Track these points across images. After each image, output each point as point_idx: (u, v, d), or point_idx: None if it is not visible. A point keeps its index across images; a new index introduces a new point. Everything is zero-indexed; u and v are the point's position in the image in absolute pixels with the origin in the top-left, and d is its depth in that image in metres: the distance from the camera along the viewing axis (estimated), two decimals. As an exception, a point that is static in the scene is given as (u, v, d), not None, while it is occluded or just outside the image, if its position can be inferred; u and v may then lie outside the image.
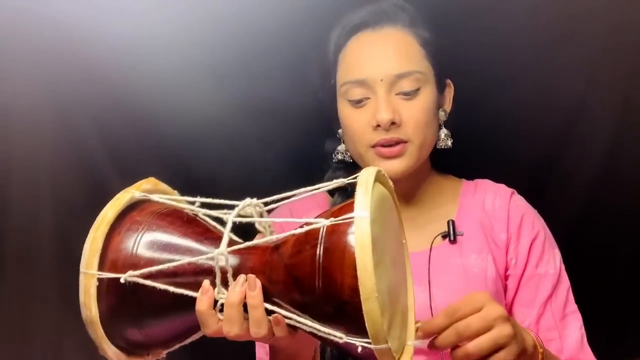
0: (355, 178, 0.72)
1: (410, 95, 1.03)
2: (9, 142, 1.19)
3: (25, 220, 1.21)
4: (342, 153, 1.12)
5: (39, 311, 1.22)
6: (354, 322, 0.64)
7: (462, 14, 1.17)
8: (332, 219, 0.67)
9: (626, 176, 1.26)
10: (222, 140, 1.28)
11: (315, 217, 0.72)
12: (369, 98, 1.04)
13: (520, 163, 1.26)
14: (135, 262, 0.72)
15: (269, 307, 0.71)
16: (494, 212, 1.10)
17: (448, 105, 1.12)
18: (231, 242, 0.73)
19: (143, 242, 0.73)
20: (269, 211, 0.80)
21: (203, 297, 0.71)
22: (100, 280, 0.71)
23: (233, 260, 0.72)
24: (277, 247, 0.72)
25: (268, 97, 1.27)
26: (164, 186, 0.83)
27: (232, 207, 0.77)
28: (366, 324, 0.64)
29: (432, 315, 1.00)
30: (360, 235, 0.64)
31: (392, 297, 0.71)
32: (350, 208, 0.67)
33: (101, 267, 0.72)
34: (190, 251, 0.73)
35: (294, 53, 1.21)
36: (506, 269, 1.08)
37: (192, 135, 1.27)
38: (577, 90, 1.25)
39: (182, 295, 0.71)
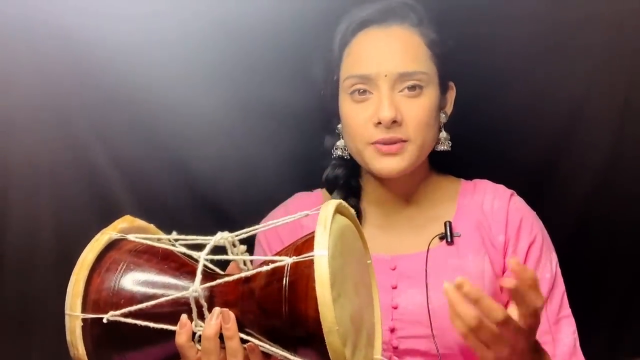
0: (317, 209, 0.78)
1: (413, 94, 1.03)
2: (9, 143, 1.19)
3: (25, 221, 1.21)
4: (341, 149, 1.12)
5: (39, 311, 1.22)
6: (320, 350, 0.70)
7: (463, 18, 1.17)
8: (294, 257, 0.73)
9: (625, 179, 1.26)
10: (222, 140, 1.28)
11: (281, 251, 0.78)
12: (371, 94, 1.04)
13: (519, 167, 1.26)
14: (116, 302, 0.77)
15: (244, 336, 0.76)
16: (492, 213, 1.09)
17: (449, 108, 1.12)
18: (206, 275, 0.78)
19: (122, 281, 0.79)
20: (243, 241, 0.85)
21: (182, 330, 0.76)
22: (84, 320, 0.77)
23: (206, 294, 0.77)
24: (247, 279, 0.77)
25: (268, 97, 1.27)
26: (140, 222, 0.88)
27: (206, 242, 0.82)
28: (330, 355, 0.70)
29: (429, 317, 1.00)
30: (319, 274, 0.69)
31: (355, 321, 0.76)
32: (311, 245, 0.72)
33: (84, 308, 0.77)
34: (168, 286, 0.78)
35: (294, 53, 1.21)
36: (503, 271, 1.08)
37: (192, 136, 1.27)
38: (577, 95, 1.24)
39: (162, 330, 0.76)
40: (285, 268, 0.73)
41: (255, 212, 1.17)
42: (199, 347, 0.77)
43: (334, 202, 0.77)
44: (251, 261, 0.84)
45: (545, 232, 1.11)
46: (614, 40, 1.20)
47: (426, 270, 1.03)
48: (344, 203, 0.81)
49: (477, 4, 1.19)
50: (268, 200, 1.19)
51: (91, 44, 1.19)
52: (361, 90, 1.04)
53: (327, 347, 0.69)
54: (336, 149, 1.12)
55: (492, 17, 1.19)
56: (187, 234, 0.88)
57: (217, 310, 0.76)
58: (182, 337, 0.76)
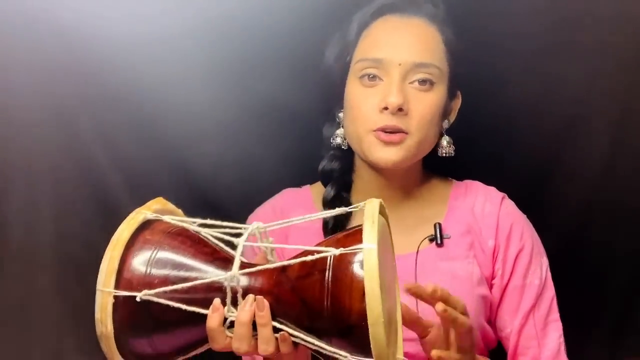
0: (356, 207, 0.80)
1: (424, 88, 1.03)
2: (9, 143, 1.19)
3: (25, 221, 1.21)
4: (341, 137, 1.10)
5: (39, 311, 1.22)
6: (359, 343, 0.70)
7: (462, 18, 1.17)
8: (341, 249, 0.72)
9: (625, 180, 1.26)
10: (221, 139, 1.28)
11: (321, 244, 0.77)
12: (381, 80, 1.03)
13: (519, 168, 1.26)
14: (149, 281, 0.76)
15: (277, 325, 0.75)
16: (483, 217, 1.09)
17: (453, 117, 1.12)
18: (241, 265, 0.77)
19: (156, 261, 0.77)
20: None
21: (214, 314, 0.75)
22: (116, 297, 0.75)
23: (243, 281, 0.77)
24: (284, 269, 0.76)
25: (268, 97, 1.27)
26: (171, 206, 0.87)
27: (234, 229, 0.81)
28: (372, 347, 0.69)
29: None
30: (369, 266, 0.69)
31: (388, 319, 0.76)
32: (356, 238, 0.72)
33: (117, 285, 0.75)
34: (201, 271, 0.77)
35: (294, 53, 1.21)
36: (492, 277, 1.08)
37: (192, 135, 1.27)
38: (577, 96, 1.24)
39: (193, 312, 0.75)
40: (329, 260, 0.73)
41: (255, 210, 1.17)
42: (229, 334, 0.76)
43: (378, 200, 0.77)
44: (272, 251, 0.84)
45: (536, 236, 1.11)
46: (615, 41, 1.19)
47: (415, 272, 1.03)
48: (382, 202, 0.79)
49: (477, 4, 1.19)
50: (267, 199, 1.19)
51: (91, 43, 1.19)
52: (371, 76, 1.03)
53: (371, 339, 0.69)
54: (336, 137, 1.11)
55: (492, 17, 1.19)
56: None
57: (251, 297, 0.75)
58: (214, 321, 0.75)
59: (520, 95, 1.25)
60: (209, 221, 0.83)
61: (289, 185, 1.20)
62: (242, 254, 0.78)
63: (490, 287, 1.08)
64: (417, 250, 1.05)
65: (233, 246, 0.79)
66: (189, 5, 1.21)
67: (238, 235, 0.80)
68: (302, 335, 0.74)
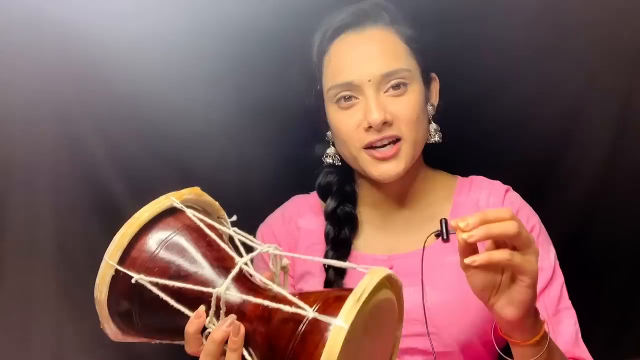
0: (365, 268, 0.75)
1: (399, 92, 1.03)
2: (9, 142, 1.19)
3: (25, 220, 1.21)
4: (332, 156, 1.11)
5: (39, 311, 1.22)
6: None
7: (461, 18, 1.17)
8: (316, 314, 0.72)
9: (625, 178, 1.26)
10: (222, 140, 1.28)
11: (314, 295, 0.76)
12: (357, 99, 1.03)
13: (520, 167, 1.26)
14: (150, 267, 0.79)
15: (245, 355, 0.76)
16: (488, 208, 1.09)
17: (435, 99, 1.11)
18: (240, 279, 0.78)
19: (164, 250, 0.80)
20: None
21: (194, 320, 0.76)
22: (117, 271, 0.79)
23: (232, 298, 0.77)
24: (274, 297, 0.77)
25: (268, 98, 1.27)
26: (207, 197, 0.88)
27: (251, 242, 0.83)
28: None
29: (425, 314, 0.99)
30: (331, 345, 0.67)
31: None
32: (338, 306, 0.70)
33: (121, 261, 0.79)
34: (201, 274, 0.79)
35: (294, 53, 1.21)
36: None
37: (192, 136, 1.27)
38: (577, 94, 1.24)
39: (179, 310, 0.78)
40: (304, 320, 0.72)
41: (255, 212, 1.17)
42: (204, 342, 0.77)
43: (380, 274, 0.73)
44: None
45: (542, 225, 1.10)
46: (615, 39, 1.19)
47: (422, 268, 1.03)
48: (395, 276, 0.77)
49: (477, 3, 1.19)
50: (267, 201, 1.19)
51: (92, 44, 1.19)
52: (347, 97, 1.04)
53: None
54: (326, 156, 1.12)
55: (492, 16, 1.19)
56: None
57: (231, 318, 0.76)
58: (193, 327, 0.76)
59: (521, 94, 1.25)
60: (233, 230, 0.85)
61: (288, 186, 1.21)
62: (246, 270, 0.79)
63: None
64: (424, 247, 1.05)
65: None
66: (190, 6, 1.21)
67: (251, 250, 0.82)
68: None
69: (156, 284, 0.77)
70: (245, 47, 1.23)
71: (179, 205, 0.83)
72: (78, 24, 1.17)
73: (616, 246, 1.30)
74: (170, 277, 0.78)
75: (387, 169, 1.03)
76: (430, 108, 1.09)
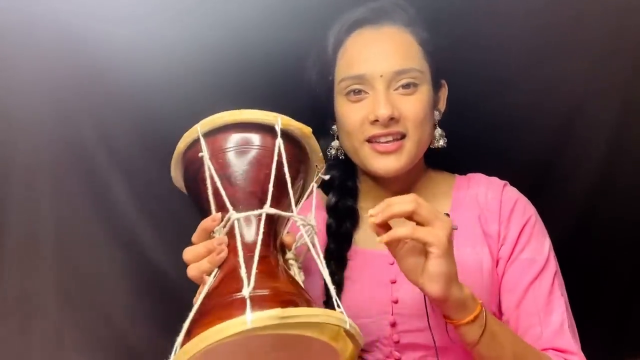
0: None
1: (408, 91, 1.04)
2: (9, 142, 1.19)
3: (25, 220, 1.21)
4: (336, 149, 1.12)
5: (39, 311, 1.22)
6: None
7: (462, 15, 1.17)
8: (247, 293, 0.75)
9: (625, 176, 1.26)
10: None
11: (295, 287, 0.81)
12: (367, 93, 1.04)
13: (519, 165, 1.26)
14: (217, 155, 0.86)
15: (213, 273, 0.82)
16: (486, 204, 1.10)
17: (442, 105, 1.12)
18: (269, 229, 0.83)
19: (236, 152, 0.86)
20: None
21: (208, 220, 0.85)
22: (196, 140, 0.88)
23: (250, 235, 0.82)
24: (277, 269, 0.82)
25: (268, 98, 1.26)
26: (314, 142, 0.92)
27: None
28: None
29: (426, 309, 1.00)
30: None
31: None
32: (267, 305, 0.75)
33: (206, 135, 0.87)
34: (248, 190, 0.84)
35: (295, 53, 1.21)
36: (498, 260, 1.08)
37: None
38: (576, 92, 1.24)
39: (209, 202, 0.84)
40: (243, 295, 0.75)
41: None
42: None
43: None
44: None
45: (539, 217, 1.11)
46: (614, 37, 1.20)
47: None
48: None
49: (477, 1, 1.19)
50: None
51: (92, 44, 1.19)
52: (357, 91, 1.05)
53: None
54: (330, 149, 1.12)
55: (492, 15, 1.19)
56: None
57: (223, 239, 0.82)
58: (205, 223, 0.85)
59: (521, 93, 1.25)
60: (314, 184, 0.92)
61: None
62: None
63: (497, 266, 1.07)
64: None
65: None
66: (190, 7, 1.21)
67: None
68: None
69: (211, 176, 0.83)
70: (245, 48, 1.23)
71: (278, 127, 0.87)
72: (79, 25, 1.17)
73: (616, 245, 1.30)
74: (221, 176, 0.83)
75: (388, 163, 1.04)
76: (436, 113, 1.11)
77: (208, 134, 0.86)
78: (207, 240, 0.84)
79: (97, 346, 1.23)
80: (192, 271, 0.85)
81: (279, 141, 0.86)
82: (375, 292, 1.05)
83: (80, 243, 1.23)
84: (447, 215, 1.07)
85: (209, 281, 0.81)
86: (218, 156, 0.85)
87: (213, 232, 0.84)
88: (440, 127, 1.11)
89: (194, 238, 0.86)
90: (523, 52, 1.22)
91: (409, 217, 0.88)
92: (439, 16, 1.14)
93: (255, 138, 0.87)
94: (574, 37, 1.21)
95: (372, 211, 0.89)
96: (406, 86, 1.04)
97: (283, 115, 0.89)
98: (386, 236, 0.87)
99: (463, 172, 1.17)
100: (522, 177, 1.19)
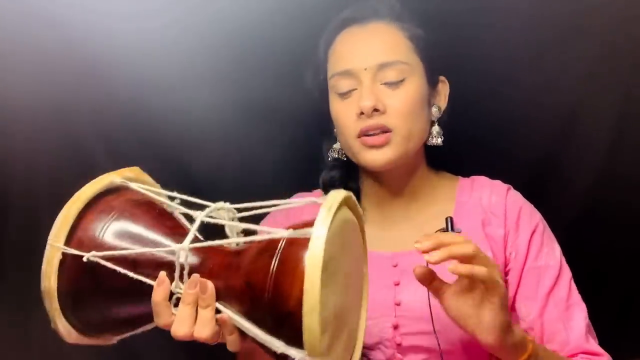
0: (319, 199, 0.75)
1: (394, 84, 1.05)
2: (9, 143, 1.20)
3: (25, 220, 1.22)
4: (337, 151, 1.13)
5: (39, 311, 1.22)
6: (295, 333, 0.66)
7: (461, 10, 1.17)
8: (291, 230, 0.70)
9: (627, 173, 1.26)
10: (222, 140, 1.28)
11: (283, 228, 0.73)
12: (355, 89, 1.06)
13: (520, 161, 1.26)
14: (100, 244, 0.74)
15: (221, 307, 0.73)
16: (490, 207, 1.10)
17: (443, 103, 1.13)
18: (196, 241, 0.75)
19: (112, 226, 0.76)
20: (242, 219, 0.82)
21: (159, 288, 0.73)
22: (64, 254, 0.73)
23: (193, 259, 0.74)
24: (238, 252, 0.74)
25: (268, 98, 1.27)
26: (147, 177, 0.85)
27: (205, 207, 0.79)
28: (304, 336, 0.65)
29: (430, 311, 1.00)
30: (313, 252, 0.65)
31: (338, 317, 0.72)
32: (311, 225, 0.68)
33: (68, 242, 0.74)
34: (156, 243, 0.75)
35: (294, 54, 1.21)
36: (506, 264, 1.08)
37: (192, 136, 1.27)
38: (577, 88, 1.25)
39: (140, 282, 0.73)
40: (280, 243, 0.70)
41: (254, 213, 1.17)
42: (174, 311, 0.74)
43: (344, 192, 0.73)
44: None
45: (545, 223, 1.11)
46: (614, 36, 1.20)
47: (427, 265, 1.04)
48: (354, 199, 0.77)
49: (476, 3, 1.19)
50: (268, 200, 1.19)
51: (92, 44, 1.19)
52: (345, 87, 1.06)
53: (303, 328, 0.64)
54: (332, 151, 1.14)
55: (492, 13, 1.19)
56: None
57: (195, 277, 0.73)
58: (158, 294, 0.73)
59: (521, 90, 1.25)
60: (179, 195, 0.81)
61: (289, 186, 1.21)
62: (206, 235, 0.76)
63: (506, 274, 1.08)
64: None
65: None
66: (190, 7, 1.21)
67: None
68: (240, 320, 0.71)
69: (111, 258, 0.72)
70: (245, 48, 1.24)
71: (120, 182, 0.79)
72: (79, 25, 1.17)
73: (616, 245, 1.30)
74: (123, 250, 0.73)
75: (376, 156, 1.04)
76: (435, 110, 1.11)
77: (70, 241, 0.75)
78: (182, 300, 0.74)
79: (98, 346, 1.23)
80: (205, 332, 0.73)
81: (136, 185, 0.80)
82: (378, 294, 1.05)
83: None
84: (451, 218, 1.08)
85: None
86: (102, 242, 0.75)
87: (172, 294, 0.74)
88: (440, 125, 1.11)
89: (160, 322, 0.75)
90: (523, 48, 1.23)
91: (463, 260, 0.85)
92: (438, 13, 1.14)
93: (115, 200, 0.79)
94: (574, 35, 1.21)
95: (421, 245, 0.85)
96: (392, 79, 1.05)
97: (109, 173, 0.81)
98: (464, 269, 0.84)
99: (464, 170, 1.17)
100: (522, 175, 1.19)
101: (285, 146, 1.29)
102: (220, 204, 0.78)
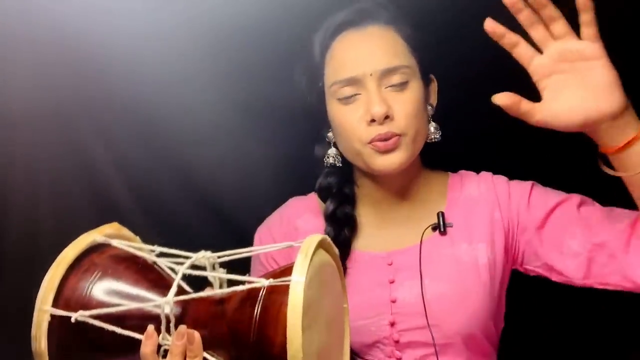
0: (299, 242, 0.78)
1: (399, 89, 1.04)
2: (9, 144, 1.20)
3: (25, 221, 1.22)
4: (333, 157, 1.12)
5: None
6: None
7: (461, 12, 1.17)
8: (271, 279, 0.73)
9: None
10: (222, 141, 1.28)
11: (261, 277, 0.76)
12: (359, 94, 1.05)
13: (518, 164, 1.26)
14: (87, 303, 0.77)
15: (207, 357, 0.76)
16: (480, 195, 1.11)
17: (434, 100, 1.13)
18: (180, 292, 0.78)
19: (97, 284, 0.78)
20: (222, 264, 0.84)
21: (147, 341, 0.76)
22: (52, 316, 0.75)
23: (178, 310, 0.77)
24: (222, 300, 0.77)
25: (268, 98, 1.27)
26: (126, 232, 0.87)
27: (188, 258, 0.81)
28: None
29: (424, 307, 1.01)
30: (293, 298, 0.69)
31: (322, 355, 0.76)
32: (290, 271, 0.72)
33: (55, 304, 0.76)
34: (141, 298, 0.78)
35: (295, 53, 1.21)
36: (506, 248, 1.08)
37: (192, 137, 1.27)
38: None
39: (128, 337, 0.75)
40: (261, 292, 0.73)
41: (255, 212, 1.17)
42: None
43: (318, 236, 0.77)
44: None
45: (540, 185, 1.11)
46: (614, 36, 1.19)
47: (420, 261, 1.04)
48: (329, 240, 0.81)
49: (478, 2, 1.18)
50: (267, 200, 1.19)
51: (92, 44, 1.19)
52: (348, 93, 1.05)
53: None
54: (328, 157, 1.12)
55: (492, 12, 1.19)
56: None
57: (182, 328, 0.76)
58: (147, 348, 0.75)
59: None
60: (159, 248, 0.83)
61: (288, 186, 1.21)
62: (184, 288, 0.78)
63: (511, 260, 1.08)
64: (421, 240, 1.06)
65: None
66: (190, 6, 1.21)
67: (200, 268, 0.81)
68: None
69: (98, 316, 0.75)
70: (245, 48, 1.23)
71: (102, 240, 0.82)
72: (79, 25, 1.17)
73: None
74: (110, 307, 0.76)
75: (390, 160, 1.03)
76: (429, 108, 1.11)
77: (57, 302, 0.76)
78: (170, 352, 0.76)
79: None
80: None
81: (117, 242, 0.82)
82: (373, 293, 1.05)
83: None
84: (442, 213, 1.08)
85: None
86: (88, 301, 0.77)
87: (160, 346, 0.76)
88: (434, 121, 1.11)
89: None
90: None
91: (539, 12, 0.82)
92: (436, 12, 1.14)
93: (98, 258, 0.80)
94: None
95: None
96: (397, 83, 1.04)
97: (91, 230, 0.83)
98: None
99: (461, 168, 1.17)
100: (521, 176, 1.19)
101: (285, 146, 1.28)
102: (201, 254, 0.81)
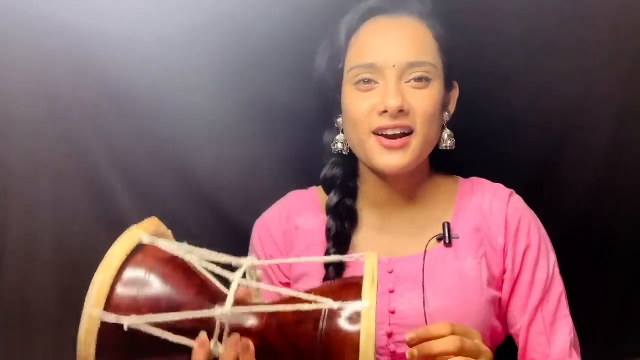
0: (352, 257, 0.81)
1: (420, 85, 1.01)
2: (9, 144, 1.19)
3: (25, 222, 1.21)
4: (342, 142, 1.09)
5: (39, 311, 1.22)
6: None
7: (462, 14, 1.17)
8: (340, 303, 0.73)
9: (625, 177, 1.26)
10: (222, 140, 1.28)
11: (316, 290, 0.77)
12: (377, 83, 1.01)
13: (519, 166, 1.26)
14: (138, 308, 0.73)
15: None
16: (491, 215, 1.08)
17: (452, 107, 1.10)
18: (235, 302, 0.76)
19: (147, 289, 0.75)
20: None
21: (200, 350, 0.74)
22: (102, 323, 0.72)
23: (233, 319, 0.76)
24: (274, 314, 0.76)
25: (267, 96, 1.27)
26: (163, 227, 0.85)
27: (230, 265, 0.80)
28: None
29: (426, 320, 0.99)
30: (366, 326, 0.71)
31: None
32: (354, 293, 0.74)
33: (105, 309, 0.73)
34: (191, 302, 0.76)
35: (295, 53, 1.21)
36: (503, 273, 1.07)
37: (192, 136, 1.27)
38: (576, 94, 1.24)
39: (180, 345, 0.73)
40: (324, 311, 0.73)
41: (255, 211, 1.17)
42: None
43: (375, 255, 0.79)
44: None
45: (544, 231, 1.10)
46: (614, 38, 1.19)
47: (423, 273, 1.02)
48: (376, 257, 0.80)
49: (477, 1, 1.18)
50: (268, 199, 1.19)
51: (91, 45, 1.19)
52: (367, 80, 1.02)
53: None
54: (336, 143, 1.09)
55: (492, 15, 1.19)
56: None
57: (236, 337, 0.74)
58: (200, 356, 0.73)
59: (523, 93, 1.25)
60: (204, 250, 0.81)
61: (288, 185, 1.20)
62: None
63: (501, 283, 1.07)
64: (425, 251, 1.04)
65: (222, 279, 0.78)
66: (189, 6, 1.21)
67: (231, 268, 0.79)
68: None
69: (152, 324, 0.72)
70: (245, 47, 1.23)
71: (148, 241, 0.78)
72: (78, 25, 1.17)
73: (616, 246, 1.30)
74: (162, 312, 0.73)
75: (393, 160, 1.01)
76: (446, 114, 1.08)
77: (107, 306, 0.73)
78: (224, 357, 0.75)
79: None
80: None
81: (163, 242, 0.79)
82: None
83: (80, 243, 1.23)
84: (449, 224, 1.06)
85: None
86: (139, 307, 0.73)
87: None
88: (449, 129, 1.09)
89: None
90: (523, 53, 1.22)
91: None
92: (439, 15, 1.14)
93: (145, 261, 0.77)
94: (574, 38, 1.21)
95: (408, 338, 0.88)
96: (419, 79, 1.01)
97: (134, 226, 0.79)
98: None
99: (464, 172, 1.17)
100: (521, 177, 1.19)
101: (285, 144, 1.28)
102: (250, 261, 0.80)
